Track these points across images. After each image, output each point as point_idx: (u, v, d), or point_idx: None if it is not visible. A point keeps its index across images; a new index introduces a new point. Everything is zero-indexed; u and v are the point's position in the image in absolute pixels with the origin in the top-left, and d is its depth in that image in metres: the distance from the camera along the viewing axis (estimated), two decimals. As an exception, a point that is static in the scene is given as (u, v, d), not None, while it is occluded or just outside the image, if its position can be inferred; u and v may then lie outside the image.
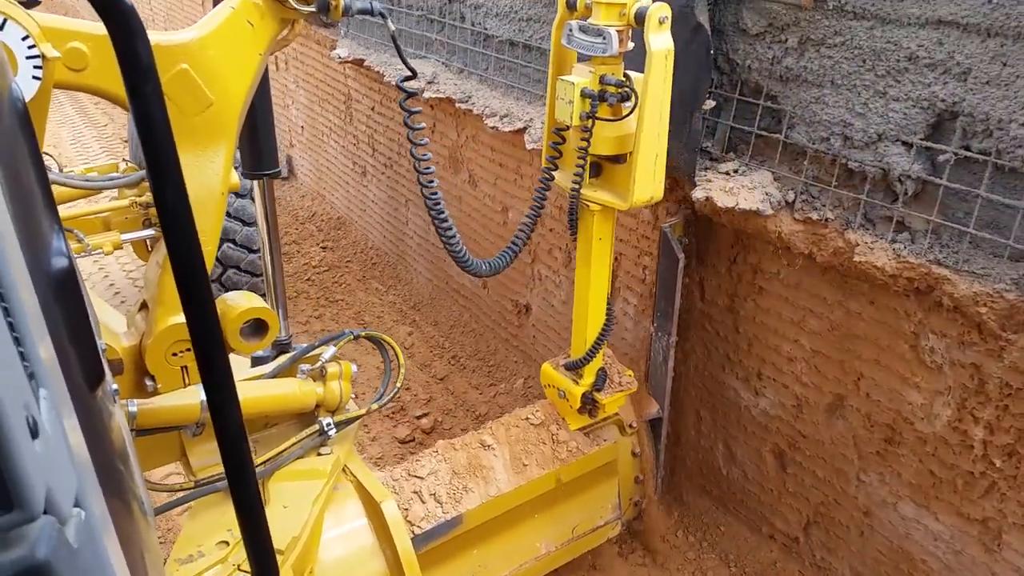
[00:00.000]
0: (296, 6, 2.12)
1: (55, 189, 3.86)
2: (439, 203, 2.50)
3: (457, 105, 4.20)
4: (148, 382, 2.09)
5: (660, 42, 2.33)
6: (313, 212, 6.96)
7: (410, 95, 2.39)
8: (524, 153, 4.05)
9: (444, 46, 4.44)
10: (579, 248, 2.85)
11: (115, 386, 1.46)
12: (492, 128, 3.96)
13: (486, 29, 3.96)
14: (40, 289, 0.86)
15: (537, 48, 3.74)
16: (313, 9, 2.18)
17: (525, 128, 3.81)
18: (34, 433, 0.62)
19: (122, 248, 3.91)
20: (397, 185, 5.61)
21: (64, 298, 1.02)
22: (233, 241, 4.70)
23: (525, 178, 4.20)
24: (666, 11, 2.31)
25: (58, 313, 0.97)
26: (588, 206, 2.71)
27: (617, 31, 2.38)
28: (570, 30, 2.50)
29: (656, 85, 2.37)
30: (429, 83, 4.37)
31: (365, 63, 5.10)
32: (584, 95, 2.46)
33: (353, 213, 6.48)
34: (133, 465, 1.43)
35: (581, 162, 2.57)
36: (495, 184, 4.44)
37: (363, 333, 2.90)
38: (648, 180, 2.51)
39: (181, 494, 2.40)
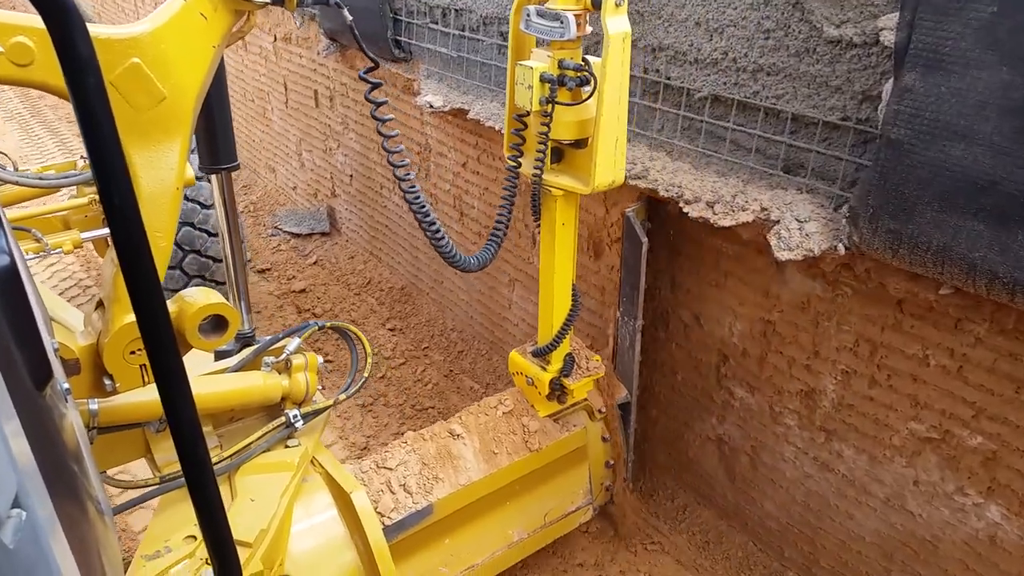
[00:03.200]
0: (250, -3, 2.09)
1: (11, 189, 3.80)
2: (419, 197, 2.47)
3: (629, 181, 2.95)
4: (107, 381, 2.06)
5: (617, 25, 2.33)
6: (368, 279, 5.76)
7: (375, 86, 2.36)
8: (758, 259, 2.89)
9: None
10: (543, 234, 2.86)
11: (67, 385, 1.44)
12: (699, 219, 2.75)
13: (670, 79, 2.90)
14: (-22, 290, 0.85)
15: (772, 111, 2.63)
16: (267, 0, 2.15)
17: (764, 224, 2.59)
18: (-37, 436, 0.61)
19: (82, 247, 3.86)
20: (496, 260, 4.43)
21: (6, 297, 1.00)
22: (192, 224, 4.65)
23: (760, 294, 2.97)
24: (622, -6, 2.31)
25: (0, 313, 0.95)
26: (551, 191, 2.71)
27: (575, 15, 2.38)
28: (528, 15, 2.49)
29: (614, 69, 2.38)
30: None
31: (469, 114, 3.86)
32: (543, 80, 2.46)
33: (424, 284, 5.32)
34: (88, 465, 1.42)
35: (542, 147, 2.57)
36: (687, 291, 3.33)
37: (328, 324, 2.89)
38: (609, 164, 2.52)
39: (147, 490, 2.38)
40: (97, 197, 3.84)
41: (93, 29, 1.75)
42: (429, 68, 4.24)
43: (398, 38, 4.31)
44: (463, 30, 3.89)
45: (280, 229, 6.53)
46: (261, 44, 6.47)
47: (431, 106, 4.07)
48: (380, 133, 2.40)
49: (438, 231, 2.54)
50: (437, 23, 4.05)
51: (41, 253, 3.74)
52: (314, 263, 6.10)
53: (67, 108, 9.37)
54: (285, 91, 6.40)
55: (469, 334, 4.93)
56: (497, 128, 3.63)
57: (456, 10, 3.90)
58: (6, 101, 9.62)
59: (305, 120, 6.23)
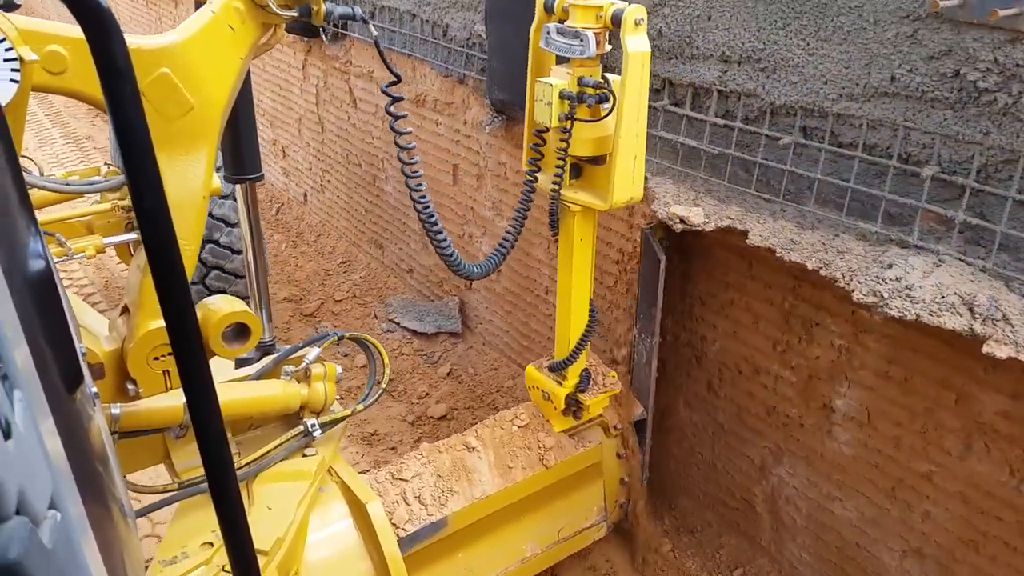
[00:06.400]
0: (277, 11, 2.12)
1: (36, 193, 3.85)
2: (428, 205, 2.53)
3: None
4: (130, 386, 2.08)
5: (636, 44, 2.36)
6: (520, 401, 4.07)
7: (395, 100, 2.42)
8: None
9: (975, 234, 2.33)
10: (560, 249, 2.87)
11: (95, 389, 1.45)
12: None
13: None
14: (16, 292, 0.86)
15: None
16: (295, 14, 2.19)
17: None
18: (6, 434, 0.62)
19: (104, 252, 3.90)
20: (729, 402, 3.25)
21: (41, 301, 1.02)
22: (217, 243, 4.69)
23: None
24: (642, 13, 2.33)
25: (35, 316, 0.97)
26: (569, 207, 2.72)
27: (594, 33, 2.41)
28: (548, 32, 2.52)
29: (633, 86, 2.40)
30: (969, 310, 2.15)
31: (750, 239, 2.64)
32: (562, 97, 2.48)
33: None
34: (113, 468, 1.43)
35: (561, 163, 2.59)
36: None
37: (348, 334, 2.91)
38: (627, 181, 2.53)
39: (165, 495, 2.40)
40: (120, 203, 3.89)
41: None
42: (657, 162, 3.17)
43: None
44: (731, 119, 2.85)
45: (397, 324, 5.27)
46: (379, 102, 5.15)
47: (683, 221, 2.81)
48: (398, 145, 2.46)
49: (444, 239, 2.61)
50: (682, 105, 3.02)
51: (64, 257, 3.78)
52: (448, 374, 4.85)
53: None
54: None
55: (686, 486, 3.58)
56: (795, 261, 2.50)
57: (722, 92, 2.85)
58: (57, 152, 8.79)
59: (435, 197, 4.80)
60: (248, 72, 2.61)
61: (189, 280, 2.05)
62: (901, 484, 2.68)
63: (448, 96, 4.50)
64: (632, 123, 2.45)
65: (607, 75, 2.54)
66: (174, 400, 2.29)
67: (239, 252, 4.71)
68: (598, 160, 2.64)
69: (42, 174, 3.33)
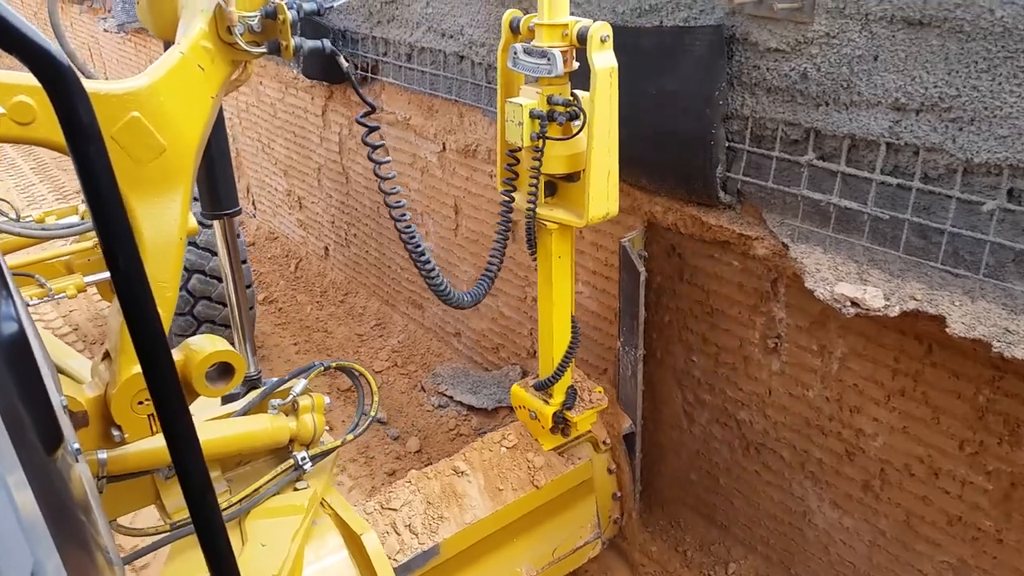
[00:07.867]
0: (246, 48, 2.12)
1: (10, 239, 3.81)
2: (414, 235, 2.54)
3: None
4: (115, 432, 2.07)
5: (603, 60, 2.38)
6: None
7: (372, 129, 2.43)
8: None
9: None
10: (539, 267, 2.88)
11: (76, 445, 1.45)
12: None
13: None
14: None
15: None
16: (264, 50, 2.19)
17: None
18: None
19: (86, 291, 3.88)
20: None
21: (14, 365, 1.02)
22: (204, 272, 4.68)
23: None
24: (607, 30, 2.36)
25: (9, 381, 0.97)
26: (545, 225, 2.74)
27: (561, 52, 2.43)
28: (515, 53, 2.54)
29: (602, 102, 2.42)
30: None
31: (949, 325, 2.24)
32: (533, 116, 2.50)
33: (720, 506, 3.56)
34: (97, 515, 1.43)
35: (535, 182, 2.61)
36: None
37: (334, 364, 2.90)
38: (602, 196, 2.55)
39: (158, 537, 2.38)
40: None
41: (92, 85, 1.79)
42: (797, 226, 2.68)
43: (729, 175, 2.85)
44: (906, 177, 2.37)
45: (450, 398, 4.73)
46: (417, 152, 4.78)
47: (855, 304, 2.36)
48: (377, 175, 2.47)
49: (432, 268, 2.62)
50: (832, 160, 2.53)
51: (45, 298, 3.77)
52: (514, 459, 4.34)
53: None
54: (455, 214, 4.70)
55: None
56: (1019, 358, 2.08)
57: (893, 145, 2.37)
58: (30, 187, 8.60)
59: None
60: (220, 108, 2.62)
61: (168, 322, 2.05)
62: None
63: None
64: (604, 138, 2.48)
65: (576, 92, 2.56)
66: (161, 441, 2.28)
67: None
68: (572, 177, 2.66)
69: (19, 217, 3.32)
